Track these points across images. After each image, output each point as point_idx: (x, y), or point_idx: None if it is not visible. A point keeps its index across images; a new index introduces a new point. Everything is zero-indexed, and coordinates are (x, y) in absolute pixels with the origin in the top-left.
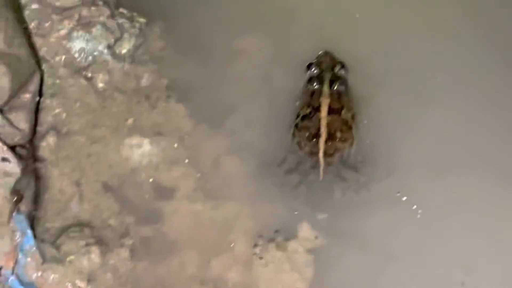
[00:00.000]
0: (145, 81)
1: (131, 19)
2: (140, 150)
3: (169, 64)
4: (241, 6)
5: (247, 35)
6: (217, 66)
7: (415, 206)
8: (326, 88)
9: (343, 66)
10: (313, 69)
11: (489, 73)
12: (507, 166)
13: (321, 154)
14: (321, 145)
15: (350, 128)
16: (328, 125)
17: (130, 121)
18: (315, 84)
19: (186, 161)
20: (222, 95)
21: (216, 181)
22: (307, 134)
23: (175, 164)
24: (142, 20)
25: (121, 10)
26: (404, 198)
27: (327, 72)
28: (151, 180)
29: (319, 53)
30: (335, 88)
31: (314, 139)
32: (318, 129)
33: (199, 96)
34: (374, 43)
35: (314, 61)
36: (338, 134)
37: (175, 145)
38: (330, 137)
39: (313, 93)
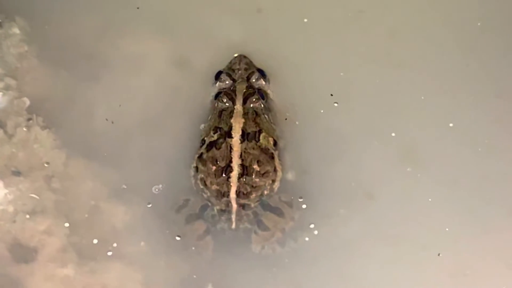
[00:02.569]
0: None
1: None
2: None
3: (33, 78)
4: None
5: (140, 36)
6: (98, 78)
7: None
8: (239, 106)
9: (262, 74)
10: (223, 79)
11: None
12: None
13: (232, 194)
14: (233, 182)
15: (271, 157)
16: (243, 155)
17: None
18: (224, 100)
19: (54, 209)
20: (105, 117)
21: (94, 235)
22: (214, 168)
23: (39, 214)
24: None
25: None
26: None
27: (241, 83)
28: (6, 236)
29: (233, 57)
30: (251, 105)
31: (224, 175)
32: (229, 161)
33: (73, 120)
34: (309, 47)
35: (224, 68)
36: (256, 167)
37: (39, 187)
38: (245, 171)
39: (221, 112)
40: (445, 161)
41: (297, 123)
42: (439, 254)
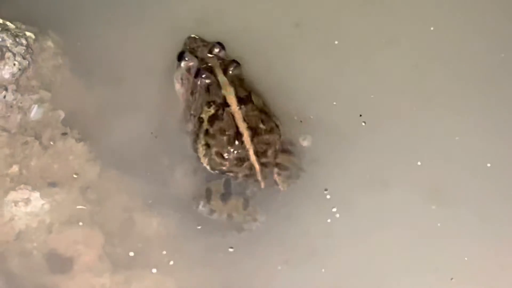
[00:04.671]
0: (34, 115)
1: (15, 33)
2: (28, 207)
3: (67, 91)
4: (164, 12)
5: (170, 48)
6: (130, 90)
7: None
8: (222, 77)
9: (221, 46)
10: (187, 58)
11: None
12: None
13: (252, 156)
14: (248, 145)
15: (269, 115)
16: (246, 119)
17: (14, 168)
18: (204, 75)
19: (90, 220)
20: (137, 128)
21: (128, 245)
22: (225, 138)
23: (75, 224)
24: (30, 33)
25: (1, 21)
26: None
27: (212, 59)
28: (42, 247)
29: (186, 39)
30: (231, 73)
31: (237, 141)
32: (236, 128)
33: (106, 131)
34: (338, 66)
35: (185, 48)
36: (262, 126)
37: (75, 199)
38: (254, 132)
39: (208, 87)
40: (475, 199)
41: (311, 117)
42: (452, 279)
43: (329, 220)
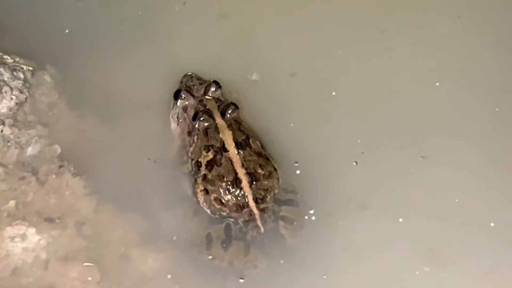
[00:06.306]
0: (31, 150)
1: (12, 67)
2: (24, 242)
3: (63, 126)
4: (161, 48)
5: (166, 83)
6: (127, 125)
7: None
8: (220, 120)
9: (218, 84)
10: (183, 96)
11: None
12: None
13: (251, 202)
14: (247, 191)
15: (267, 158)
16: (244, 164)
17: (10, 203)
18: (202, 118)
19: (85, 256)
20: (134, 163)
21: (124, 282)
22: (223, 184)
23: (71, 260)
24: (27, 67)
25: None
26: None
27: (209, 101)
28: (38, 283)
29: (182, 77)
30: (229, 116)
31: (235, 187)
32: (235, 173)
33: (103, 166)
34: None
35: (181, 86)
36: (260, 171)
37: (71, 234)
38: (253, 177)
39: (206, 131)
40: (478, 259)
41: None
42: None
43: None
